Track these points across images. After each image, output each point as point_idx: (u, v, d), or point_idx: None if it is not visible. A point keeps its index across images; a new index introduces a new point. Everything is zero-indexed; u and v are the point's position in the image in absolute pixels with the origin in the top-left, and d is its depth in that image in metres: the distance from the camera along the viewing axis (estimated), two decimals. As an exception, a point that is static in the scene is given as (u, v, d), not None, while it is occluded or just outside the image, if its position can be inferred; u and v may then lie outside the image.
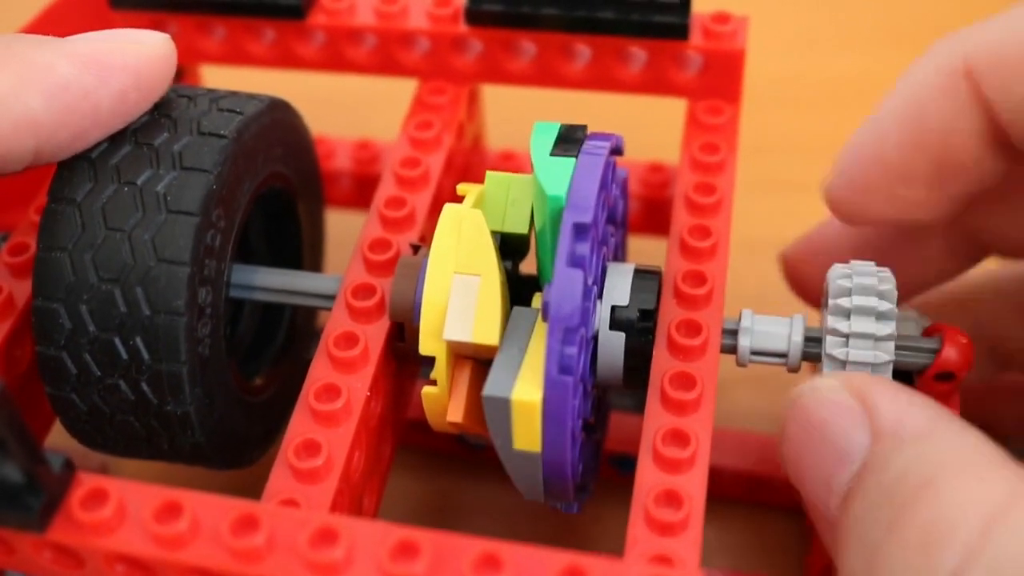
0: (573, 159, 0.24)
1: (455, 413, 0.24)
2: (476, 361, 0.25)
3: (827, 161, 0.27)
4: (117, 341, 0.23)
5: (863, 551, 0.18)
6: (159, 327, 0.23)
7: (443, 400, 0.24)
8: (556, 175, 0.23)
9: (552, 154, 0.24)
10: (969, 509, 0.17)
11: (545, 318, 0.22)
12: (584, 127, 0.25)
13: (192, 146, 0.24)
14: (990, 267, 0.31)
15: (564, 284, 0.22)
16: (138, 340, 0.23)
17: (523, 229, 0.26)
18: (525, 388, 0.22)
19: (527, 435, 0.23)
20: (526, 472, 0.24)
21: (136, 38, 0.25)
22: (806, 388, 0.22)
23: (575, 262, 0.22)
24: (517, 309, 0.24)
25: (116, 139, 0.24)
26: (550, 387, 0.22)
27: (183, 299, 0.23)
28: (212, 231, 0.24)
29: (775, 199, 0.40)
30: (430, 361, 0.24)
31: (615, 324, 0.25)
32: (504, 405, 0.22)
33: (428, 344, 0.24)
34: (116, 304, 0.23)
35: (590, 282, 0.23)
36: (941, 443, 0.19)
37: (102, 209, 0.24)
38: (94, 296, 0.23)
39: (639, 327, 0.25)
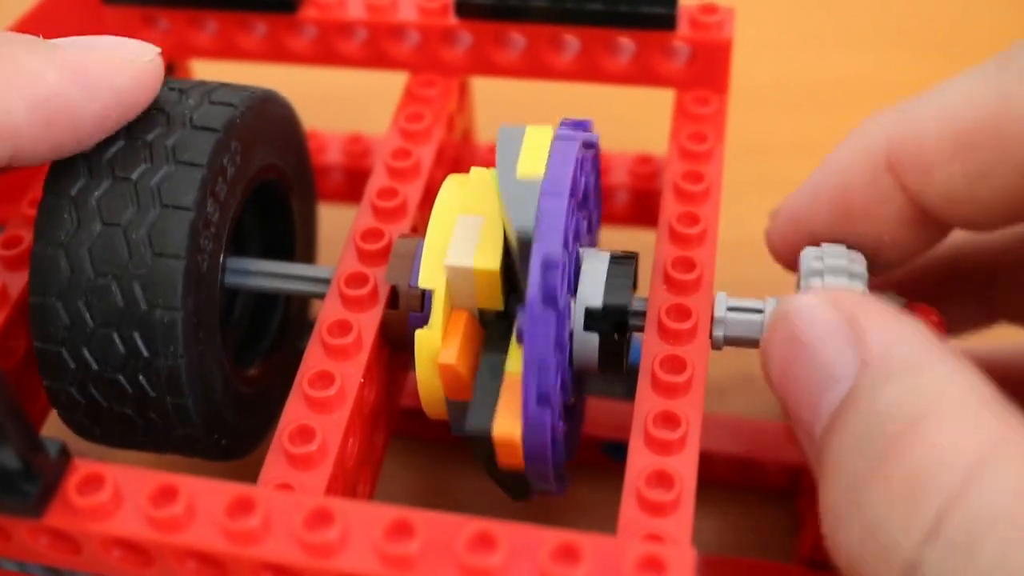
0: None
1: (448, 356, 0.24)
2: (471, 313, 0.25)
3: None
4: (115, 336, 0.23)
5: (847, 486, 0.18)
6: (156, 321, 0.23)
7: (436, 342, 0.24)
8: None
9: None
10: (953, 455, 0.17)
11: (520, 340, 0.22)
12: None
13: (185, 140, 0.24)
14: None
15: (536, 324, 0.22)
16: (136, 335, 0.23)
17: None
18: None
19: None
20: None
21: (128, 53, 0.24)
22: (791, 305, 0.21)
23: (547, 299, 0.22)
24: (492, 324, 0.25)
25: (111, 136, 0.24)
26: (528, 419, 0.23)
27: (179, 293, 0.23)
28: (207, 224, 0.24)
29: (775, 199, 0.40)
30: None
31: (589, 322, 0.25)
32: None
33: (428, 277, 0.24)
34: (114, 299, 0.23)
35: (561, 305, 0.23)
36: (931, 380, 0.19)
37: (97, 204, 0.24)
38: (91, 291, 0.23)
39: (613, 322, 0.25)
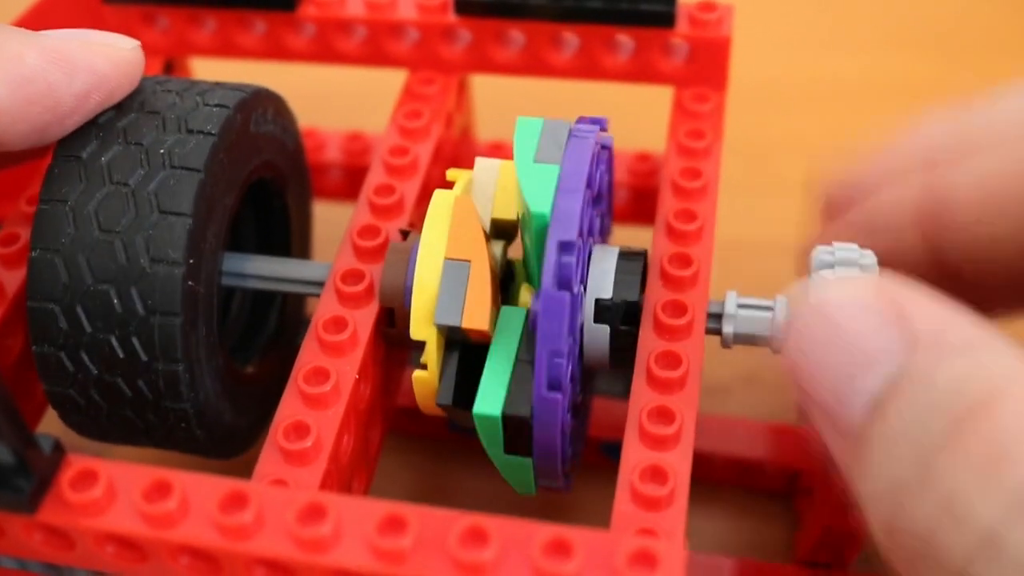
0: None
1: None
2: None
3: (826, 161, 0.28)
4: (114, 341, 0.23)
5: (915, 461, 0.18)
6: (155, 327, 0.23)
7: (433, 384, 0.25)
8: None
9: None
10: None
11: (533, 328, 0.22)
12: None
13: (181, 144, 0.24)
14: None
15: (551, 307, 0.22)
16: (134, 340, 0.23)
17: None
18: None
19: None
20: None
21: (107, 41, 0.25)
22: (824, 285, 0.20)
23: (562, 282, 0.22)
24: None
25: (106, 138, 0.24)
26: (539, 404, 0.23)
27: (178, 299, 0.23)
28: (204, 228, 0.24)
29: (775, 199, 0.40)
30: (421, 345, 0.25)
31: (599, 317, 0.25)
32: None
33: (419, 329, 0.24)
34: (112, 305, 0.23)
35: (576, 290, 0.23)
36: (994, 356, 0.18)
37: (94, 210, 0.24)
38: (90, 297, 0.23)
39: (623, 317, 0.25)
